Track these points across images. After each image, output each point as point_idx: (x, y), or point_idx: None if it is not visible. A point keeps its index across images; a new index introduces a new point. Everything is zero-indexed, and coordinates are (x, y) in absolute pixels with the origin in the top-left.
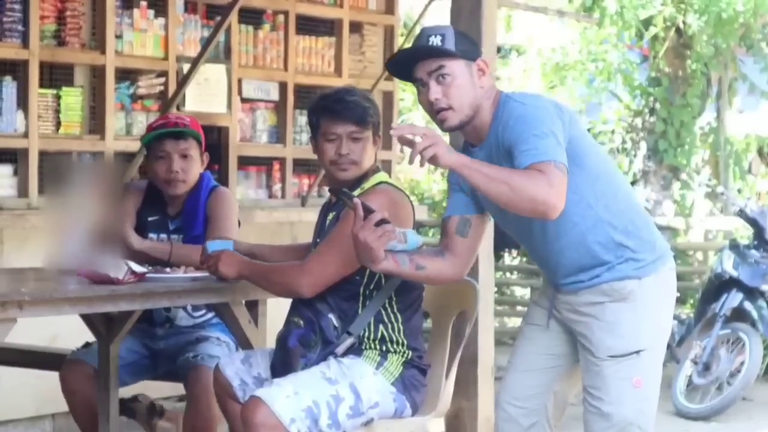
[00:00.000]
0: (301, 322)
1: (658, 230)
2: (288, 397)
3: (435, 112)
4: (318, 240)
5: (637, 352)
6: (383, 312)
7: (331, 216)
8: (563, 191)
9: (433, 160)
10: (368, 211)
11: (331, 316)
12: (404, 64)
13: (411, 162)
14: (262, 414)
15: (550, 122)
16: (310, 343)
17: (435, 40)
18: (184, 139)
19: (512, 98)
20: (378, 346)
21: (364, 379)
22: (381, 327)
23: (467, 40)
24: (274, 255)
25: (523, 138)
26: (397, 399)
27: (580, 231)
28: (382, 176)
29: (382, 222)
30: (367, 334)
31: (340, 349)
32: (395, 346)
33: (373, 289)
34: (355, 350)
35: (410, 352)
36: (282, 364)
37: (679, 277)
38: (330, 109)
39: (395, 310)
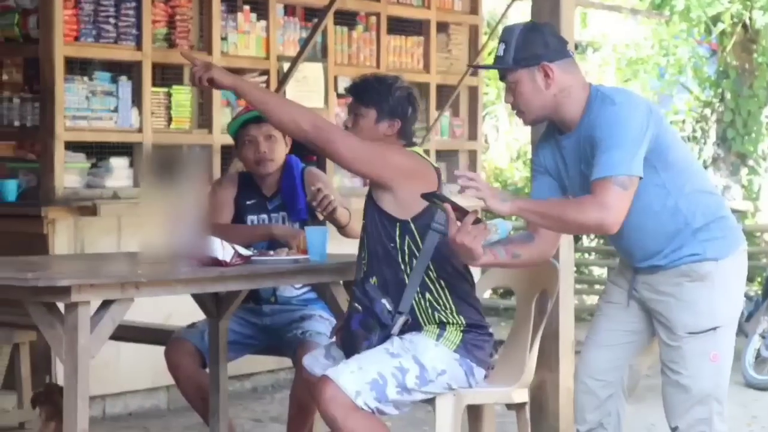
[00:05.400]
0: (360, 308)
1: (732, 214)
2: (353, 372)
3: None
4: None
5: (714, 328)
6: (426, 279)
7: None
8: (618, 207)
9: (487, 209)
10: (460, 211)
11: (384, 301)
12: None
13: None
14: (330, 389)
15: (635, 126)
16: (370, 327)
17: (500, 49)
18: (266, 122)
19: (604, 94)
20: (434, 319)
21: (426, 351)
22: (427, 294)
23: (531, 45)
24: None
25: (603, 145)
26: (462, 363)
27: (661, 220)
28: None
29: (476, 221)
30: (416, 305)
31: (395, 330)
32: (449, 315)
33: (410, 257)
34: (416, 327)
35: (464, 322)
36: (348, 345)
37: (748, 257)
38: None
39: (437, 277)
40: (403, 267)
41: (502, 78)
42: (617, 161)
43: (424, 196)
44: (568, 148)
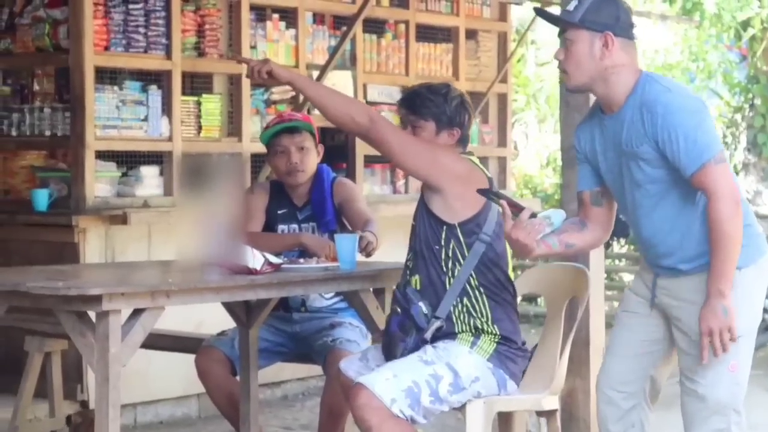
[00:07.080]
0: (399, 310)
1: (757, 222)
2: (387, 380)
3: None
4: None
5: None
6: (466, 285)
7: None
8: (729, 181)
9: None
10: (516, 206)
11: (421, 303)
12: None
13: None
14: (365, 396)
15: (698, 108)
16: (407, 329)
17: (571, 4)
18: (299, 133)
19: (655, 80)
20: (469, 326)
21: (460, 358)
22: (465, 299)
23: (604, 11)
24: None
25: (679, 134)
26: (495, 373)
27: (687, 221)
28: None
29: (531, 217)
30: (453, 309)
31: (428, 334)
32: (484, 323)
33: (454, 261)
34: (450, 335)
35: (498, 333)
36: (387, 348)
37: None
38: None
39: (477, 285)
40: (444, 270)
41: (561, 33)
42: (705, 144)
43: (480, 191)
44: (610, 128)
